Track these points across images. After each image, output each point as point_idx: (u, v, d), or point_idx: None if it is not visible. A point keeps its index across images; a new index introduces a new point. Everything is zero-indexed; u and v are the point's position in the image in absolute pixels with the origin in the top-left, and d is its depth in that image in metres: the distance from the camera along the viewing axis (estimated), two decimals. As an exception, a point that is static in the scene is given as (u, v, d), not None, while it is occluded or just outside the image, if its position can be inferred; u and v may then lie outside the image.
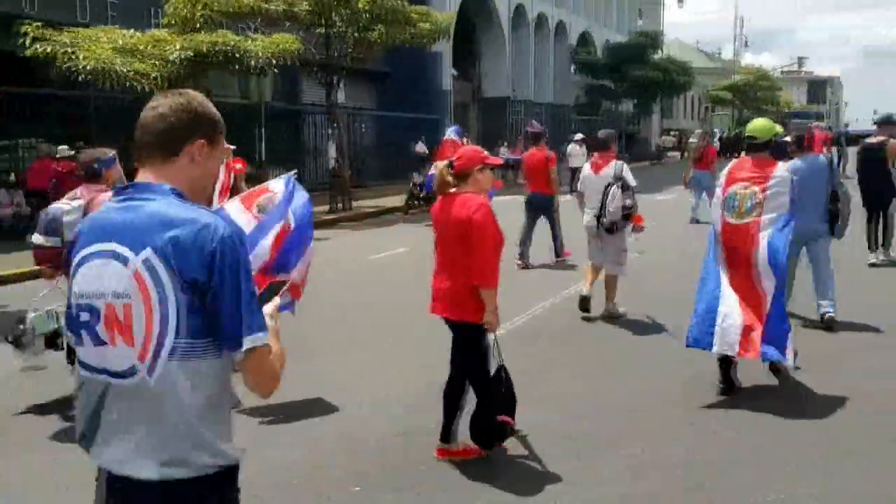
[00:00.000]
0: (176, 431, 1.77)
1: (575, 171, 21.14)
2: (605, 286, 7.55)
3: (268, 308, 1.94)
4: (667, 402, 5.35)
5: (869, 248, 10.29)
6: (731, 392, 5.37)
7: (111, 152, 5.35)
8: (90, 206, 5.01)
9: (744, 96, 69.46)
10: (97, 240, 1.82)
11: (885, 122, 10.42)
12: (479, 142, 34.37)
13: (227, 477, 1.86)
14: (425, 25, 18.82)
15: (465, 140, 11.32)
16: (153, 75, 12.33)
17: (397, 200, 19.76)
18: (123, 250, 1.76)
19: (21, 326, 5.33)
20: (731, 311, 5.16)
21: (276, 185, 4.87)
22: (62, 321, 5.09)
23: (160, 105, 1.88)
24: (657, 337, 7.00)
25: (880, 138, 10.16)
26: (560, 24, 41.61)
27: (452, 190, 4.18)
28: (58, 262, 5.00)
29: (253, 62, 13.47)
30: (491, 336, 4.23)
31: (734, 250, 5.32)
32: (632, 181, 7.47)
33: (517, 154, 28.51)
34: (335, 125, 18.70)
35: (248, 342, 1.76)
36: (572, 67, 42.65)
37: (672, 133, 53.16)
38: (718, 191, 5.58)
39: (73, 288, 1.85)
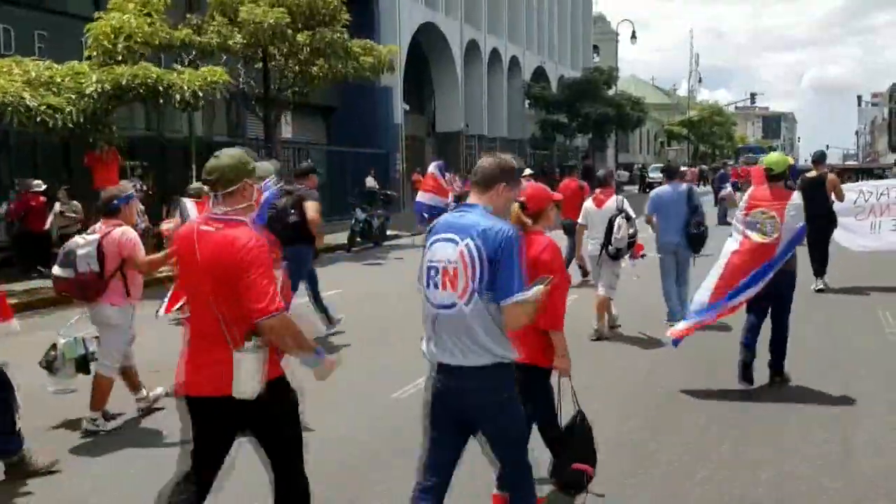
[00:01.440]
0: (479, 337, 3.08)
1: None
2: (596, 308, 8.25)
3: (536, 290, 3.09)
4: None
5: (815, 274, 10.80)
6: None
7: (129, 189, 5.88)
8: (104, 240, 5.40)
9: (698, 131, 70.62)
10: (444, 231, 3.17)
11: (820, 159, 11.25)
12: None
13: (508, 366, 3.17)
14: (368, 59, 18.41)
15: (446, 175, 12.12)
16: (67, 110, 11.64)
17: (344, 238, 19.13)
18: (456, 237, 3.10)
19: (52, 353, 5.72)
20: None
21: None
22: (91, 347, 5.68)
23: (485, 161, 3.27)
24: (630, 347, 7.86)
25: (818, 172, 10.86)
26: (514, 59, 41.74)
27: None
28: (73, 291, 5.50)
29: (178, 96, 12.84)
30: (564, 381, 4.10)
31: (747, 262, 6.14)
32: (632, 213, 8.26)
33: (468, 187, 28.19)
34: (274, 161, 18.09)
35: (515, 297, 3.02)
36: (526, 102, 42.74)
37: (637, 167, 53.58)
38: (739, 213, 6.41)
39: (426, 256, 3.21)
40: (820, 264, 10.79)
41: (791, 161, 7.05)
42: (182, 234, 3.28)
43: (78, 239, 5.57)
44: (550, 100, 41.13)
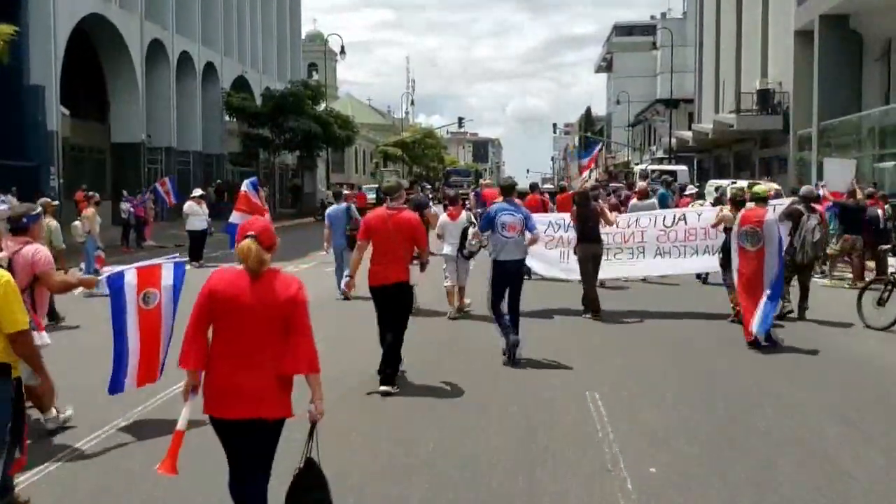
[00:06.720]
0: (521, 247, 8.28)
1: (193, 235, 17.39)
2: (458, 293, 10.75)
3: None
4: None
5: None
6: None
7: (38, 208, 5.88)
8: (14, 258, 5.38)
9: (412, 153, 71.25)
10: (503, 211, 8.25)
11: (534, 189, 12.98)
12: (111, 193, 28.98)
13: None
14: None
15: (261, 192, 12.28)
16: None
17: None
18: (515, 212, 8.27)
19: None
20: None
21: (168, 279, 6.11)
22: None
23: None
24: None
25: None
26: (210, 65, 37.66)
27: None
28: None
29: None
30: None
31: (750, 266, 8.86)
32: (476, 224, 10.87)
33: (140, 211, 23.86)
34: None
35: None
36: (226, 114, 38.84)
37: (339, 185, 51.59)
38: (735, 228, 9.14)
39: (500, 218, 8.18)
40: None
41: (774, 189, 10.50)
42: (376, 215, 7.23)
43: None
44: (251, 112, 37.67)
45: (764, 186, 10.07)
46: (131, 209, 22.82)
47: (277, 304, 3.70)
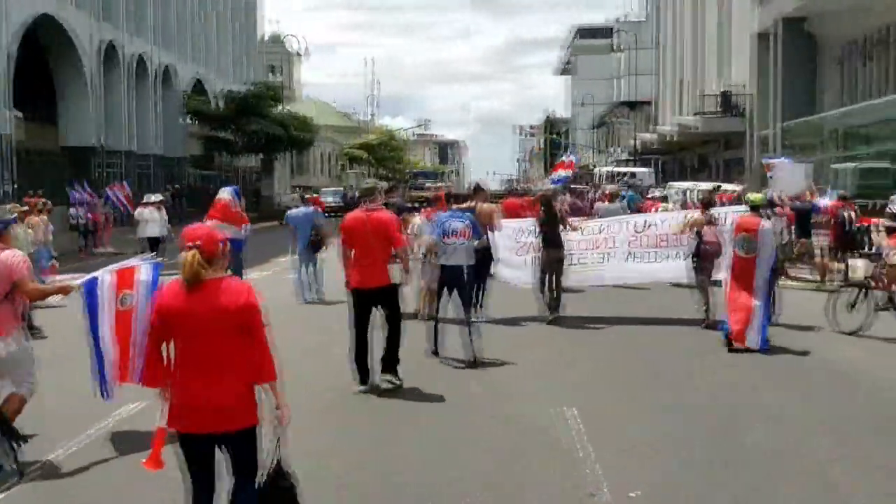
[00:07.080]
0: (469, 252, 8.51)
1: (150, 242, 16.85)
2: (425, 298, 10.15)
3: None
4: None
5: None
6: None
7: (14, 214, 6.34)
8: None
9: (377, 155, 70.84)
10: (452, 218, 8.66)
11: (478, 189, 11.08)
12: (65, 199, 28.04)
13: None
14: None
15: (242, 201, 11.46)
16: None
17: None
18: (463, 218, 8.61)
19: None
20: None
21: (144, 276, 5.43)
22: None
23: None
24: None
25: (475, 202, 10.66)
26: (168, 68, 36.91)
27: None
28: None
29: None
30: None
31: (742, 271, 8.79)
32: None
33: (98, 217, 23.10)
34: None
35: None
36: (185, 117, 38.12)
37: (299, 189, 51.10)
38: (727, 236, 9.40)
39: (445, 224, 8.53)
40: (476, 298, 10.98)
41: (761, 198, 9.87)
42: (354, 217, 7.31)
43: None
44: (211, 114, 37.01)
45: (758, 195, 10.11)
46: (89, 215, 22.05)
47: (229, 312, 3.61)
